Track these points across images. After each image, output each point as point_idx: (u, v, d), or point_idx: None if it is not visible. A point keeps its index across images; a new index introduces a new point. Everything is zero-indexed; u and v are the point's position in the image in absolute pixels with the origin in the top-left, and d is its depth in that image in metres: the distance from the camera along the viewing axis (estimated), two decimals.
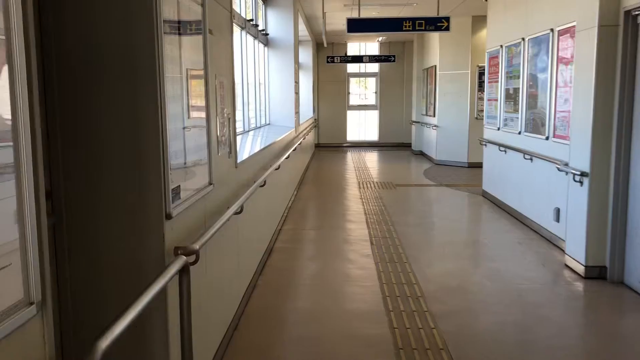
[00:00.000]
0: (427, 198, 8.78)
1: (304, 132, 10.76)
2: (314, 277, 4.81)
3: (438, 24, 8.94)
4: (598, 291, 4.39)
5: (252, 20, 7.31)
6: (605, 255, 4.51)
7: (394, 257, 5.25)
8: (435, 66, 12.58)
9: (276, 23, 8.38)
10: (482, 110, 11.67)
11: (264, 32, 8.17)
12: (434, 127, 12.54)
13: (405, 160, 14.01)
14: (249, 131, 7.40)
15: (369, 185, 9.60)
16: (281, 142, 6.68)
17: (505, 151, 7.23)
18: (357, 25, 9.04)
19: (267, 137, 7.23)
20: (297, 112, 9.00)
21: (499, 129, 7.58)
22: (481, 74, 11.70)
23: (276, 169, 5.62)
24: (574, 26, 4.98)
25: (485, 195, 8.24)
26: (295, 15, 8.61)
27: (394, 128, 17.25)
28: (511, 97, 7.07)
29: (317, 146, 17.07)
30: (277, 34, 8.39)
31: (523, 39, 6.56)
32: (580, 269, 4.65)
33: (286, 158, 6.27)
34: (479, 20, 11.50)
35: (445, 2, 9.44)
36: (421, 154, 14.50)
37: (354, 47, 17.38)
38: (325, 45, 12.56)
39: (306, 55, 14.25)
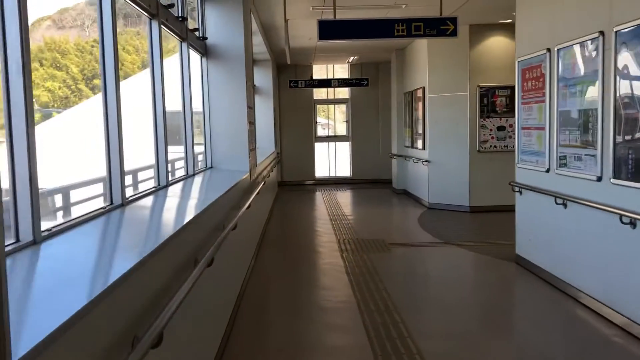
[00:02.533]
0: (442, 272, 6.22)
1: (265, 172, 8.22)
2: None
3: (442, 27, 6.59)
4: None
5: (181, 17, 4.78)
6: None
7: None
8: (424, 88, 10.27)
9: (219, 24, 5.86)
10: (486, 142, 9.39)
11: (200, 36, 5.63)
12: (424, 163, 10.15)
13: (388, 202, 11.55)
14: (186, 178, 4.81)
15: (352, 246, 7.04)
16: (226, 200, 4.10)
17: (564, 204, 4.81)
18: (332, 29, 6.60)
19: (201, 191, 4.62)
20: (252, 149, 6.44)
21: (548, 170, 5.17)
22: (483, 96, 9.43)
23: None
24: None
25: (522, 263, 5.79)
26: (246, 15, 6.11)
27: (370, 162, 14.85)
28: (574, 123, 4.68)
29: (281, 184, 14.48)
30: (219, 39, 5.86)
31: (602, 33, 4.19)
32: None
33: (232, 227, 3.69)
34: (480, 30, 9.26)
35: (445, 5, 7.08)
36: (405, 194, 12.09)
37: (321, 70, 15.03)
38: (288, 61, 10.16)
39: (265, 77, 11.75)
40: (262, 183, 6.89)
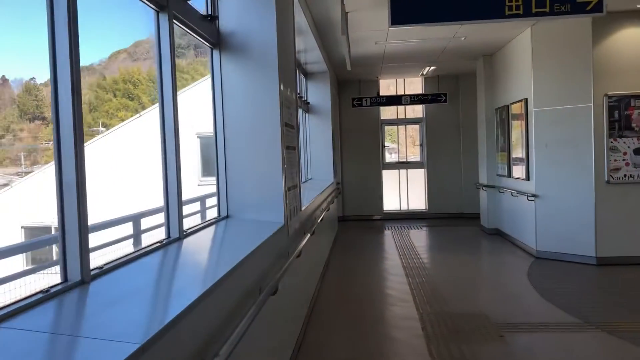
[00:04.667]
0: None
1: (318, 212, 6.14)
2: None
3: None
4: None
5: None
6: None
7: None
8: (526, 100, 7.87)
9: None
10: (617, 169, 6.86)
11: (208, 14, 3.65)
12: (529, 197, 7.69)
13: (478, 247, 9.11)
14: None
15: (443, 327, 4.73)
16: (234, 280, 2.02)
17: None
18: (409, 10, 4.49)
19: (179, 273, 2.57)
20: (293, 187, 4.35)
21: None
22: (613, 109, 6.94)
23: None
24: None
25: None
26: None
27: (450, 193, 12.42)
28: None
29: (342, 220, 12.33)
30: (239, 24, 3.86)
31: None
32: None
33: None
34: (607, 20, 6.81)
35: None
36: (499, 235, 9.59)
37: (389, 85, 12.88)
38: (348, 67, 8.13)
39: (321, 94, 9.74)
40: (310, 233, 4.77)
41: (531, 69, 7.61)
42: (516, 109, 8.37)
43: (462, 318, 5.02)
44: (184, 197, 3.09)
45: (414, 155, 13.01)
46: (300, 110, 8.60)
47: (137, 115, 12.93)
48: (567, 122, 7.23)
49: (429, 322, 4.96)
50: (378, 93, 12.30)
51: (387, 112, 12.92)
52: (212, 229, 3.49)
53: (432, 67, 11.14)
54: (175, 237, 2.93)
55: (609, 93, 6.92)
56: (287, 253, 3.85)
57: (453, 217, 12.30)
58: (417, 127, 12.93)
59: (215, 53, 3.81)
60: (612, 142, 6.95)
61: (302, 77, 9.30)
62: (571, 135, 7.20)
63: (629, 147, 6.94)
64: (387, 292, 6.29)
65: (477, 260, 7.99)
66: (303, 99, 9.02)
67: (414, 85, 12.86)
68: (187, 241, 2.98)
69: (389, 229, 11.12)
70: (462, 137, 12.32)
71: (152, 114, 11.54)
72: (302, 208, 4.91)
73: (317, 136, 9.63)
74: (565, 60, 7.23)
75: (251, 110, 3.85)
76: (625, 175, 6.94)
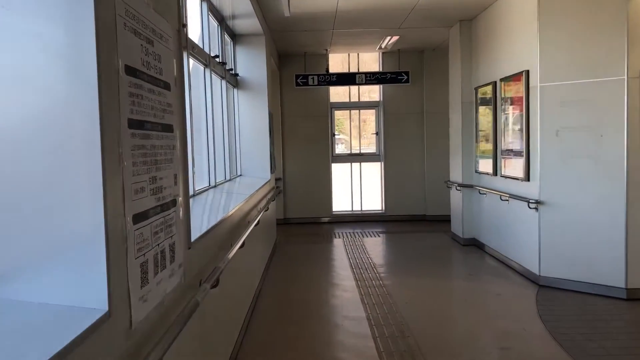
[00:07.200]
0: None
1: (247, 221, 3.92)
2: None
3: None
4: None
5: None
6: None
7: None
8: (527, 73, 5.86)
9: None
10: None
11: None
12: (531, 204, 5.69)
13: (457, 265, 7.12)
14: None
15: None
16: None
17: None
18: None
19: None
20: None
21: None
22: None
23: None
24: None
25: None
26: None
27: (411, 192, 10.42)
28: None
29: (284, 223, 10.11)
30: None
31: None
32: None
33: None
34: None
35: None
36: (477, 246, 7.65)
37: (341, 60, 10.69)
38: (287, 13, 5.88)
39: (255, 63, 7.41)
40: (211, 285, 2.52)
41: (536, 32, 5.59)
42: (510, 86, 6.36)
43: None
44: None
45: (370, 146, 10.90)
46: (223, 82, 6.26)
47: None
48: (589, 103, 5.27)
49: None
50: (327, 69, 10.10)
51: (338, 94, 10.75)
52: None
53: (393, 38, 9.03)
54: None
55: None
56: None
57: (415, 220, 10.31)
58: (373, 112, 10.82)
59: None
60: None
61: (229, 39, 6.96)
62: (594, 121, 5.24)
63: None
64: (348, 343, 4.11)
65: (462, 290, 5.94)
66: (229, 69, 6.69)
67: (371, 61, 10.73)
68: None
69: (339, 236, 8.99)
70: (426, 125, 10.32)
71: None
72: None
73: (248, 119, 7.31)
74: (588, 17, 5.25)
75: None
76: None
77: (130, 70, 1.82)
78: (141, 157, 1.89)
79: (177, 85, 2.45)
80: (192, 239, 2.62)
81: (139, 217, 1.84)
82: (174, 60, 2.43)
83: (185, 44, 4.36)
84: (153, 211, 2.00)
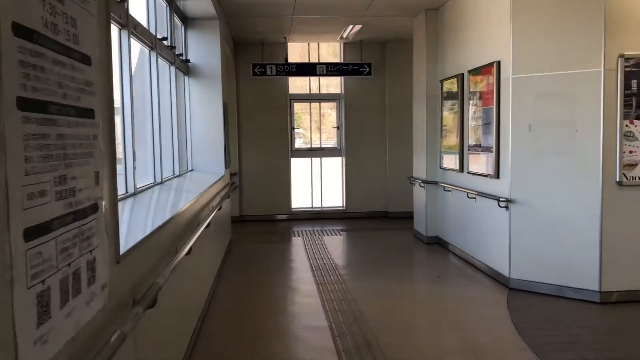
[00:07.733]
0: None
1: (196, 222, 3.42)
2: None
3: None
4: None
5: None
6: None
7: None
8: (498, 64, 5.55)
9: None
10: (634, 165, 4.76)
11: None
12: (501, 202, 5.40)
13: (421, 265, 6.83)
14: None
15: None
16: None
17: None
18: None
19: None
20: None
21: None
22: (630, 76, 4.80)
23: None
24: None
25: None
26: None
27: (372, 188, 10.07)
28: None
29: (239, 220, 9.59)
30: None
31: None
32: None
33: None
34: None
35: None
36: (440, 245, 7.35)
37: (301, 50, 10.23)
38: None
39: (208, 49, 6.87)
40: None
41: (509, 21, 5.28)
42: (478, 78, 6.05)
43: None
44: None
45: (330, 140, 10.50)
46: (172, 68, 5.71)
47: None
48: (564, 96, 5.00)
49: None
50: (286, 59, 9.61)
51: (297, 86, 10.29)
52: None
53: (355, 28, 8.63)
54: None
55: (626, 54, 4.75)
56: None
57: (376, 216, 9.98)
58: (333, 105, 10.41)
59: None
60: (627, 125, 4.80)
61: (179, 22, 6.39)
62: (568, 115, 4.98)
63: None
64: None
65: (429, 295, 5.59)
66: (179, 55, 6.12)
67: (332, 52, 10.31)
68: None
69: (298, 235, 8.55)
70: (388, 119, 9.98)
71: None
72: (133, 243, 2.14)
73: (201, 110, 6.77)
74: (564, 4, 4.97)
75: None
76: None
77: (23, 31, 1.32)
78: (40, 149, 1.39)
79: (101, 61, 1.95)
80: (123, 251, 2.12)
81: (34, 232, 1.34)
82: (98, 27, 1.92)
83: (125, 22, 3.83)
84: (59, 222, 1.50)
